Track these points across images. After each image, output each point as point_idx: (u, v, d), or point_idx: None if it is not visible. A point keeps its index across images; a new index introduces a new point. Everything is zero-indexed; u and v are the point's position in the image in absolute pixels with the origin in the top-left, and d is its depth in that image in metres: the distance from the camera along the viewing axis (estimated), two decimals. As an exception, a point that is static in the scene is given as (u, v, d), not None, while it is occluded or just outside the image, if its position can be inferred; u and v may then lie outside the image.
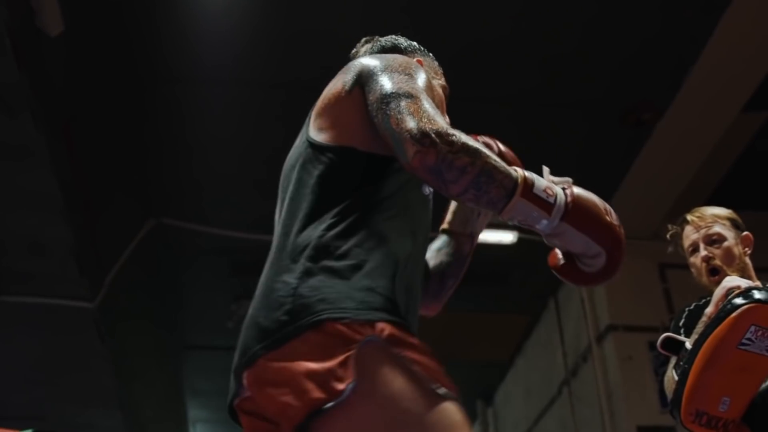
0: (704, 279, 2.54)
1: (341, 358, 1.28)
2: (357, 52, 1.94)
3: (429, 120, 1.38)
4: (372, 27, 4.45)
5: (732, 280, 2.32)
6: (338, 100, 1.58)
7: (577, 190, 1.43)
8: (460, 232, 1.87)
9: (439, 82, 1.81)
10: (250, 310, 1.45)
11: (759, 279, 2.47)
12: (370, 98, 1.50)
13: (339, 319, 1.31)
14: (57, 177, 4.43)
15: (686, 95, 4.85)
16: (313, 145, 1.57)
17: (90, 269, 5.26)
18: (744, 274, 2.46)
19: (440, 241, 1.88)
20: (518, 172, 1.39)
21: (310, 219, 1.47)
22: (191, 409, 8.88)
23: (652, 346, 5.78)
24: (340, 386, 1.27)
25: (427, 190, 1.60)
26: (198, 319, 7.18)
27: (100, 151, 4.90)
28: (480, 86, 4.64)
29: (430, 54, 1.93)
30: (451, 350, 6.94)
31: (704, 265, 2.53)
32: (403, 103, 1.43)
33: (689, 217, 2.64)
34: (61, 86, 4.29)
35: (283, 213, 1.56)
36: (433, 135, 1.35)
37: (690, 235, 2.60)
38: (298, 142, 1.67)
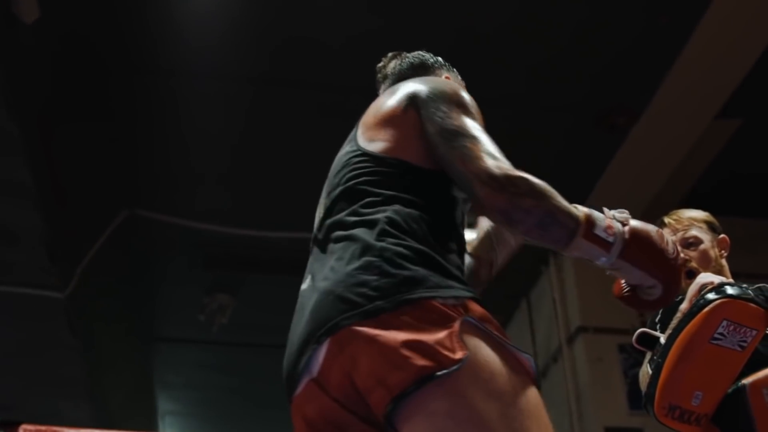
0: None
1: (445, 331, 1.35)
2: (384, 66, 2.05)
3: (494, 160, 1.51)
4: (352, 30, 4.49)
5: (706, 277, 2.36)
6: (393, 117, 1.68)
7: (635, 225, 1.55)
8: (482, 257, 1.97)
9: None
10: (321, 287, 1.49)
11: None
12: (430, 129, 1.61)
13: (433, 297, 1.39)
14: (30, 165, 4.39)
15: (661, 100, 4.89)
16: (366, 153, 1.66)
17: (61, 259, 5.22)
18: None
19: None
20: (580, 211, 1.50)
21: (374, 213, 1.54)
22: (161, 402, 8.83)
23: (622, 348, 5.83)
24: (455, 356, 1.32)
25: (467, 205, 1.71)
26: (169, 311, 7.15)
27: (75, 140, 4.86)
28: (470, 87, 4.65)
29: (454, 69, 2.03)
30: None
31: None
32: (467, 143, 1.55)
33: (666, 219, 2.67)
34: (36, 74, 4.25)
35: (336, 210, 1.63)
36: (501, 178, 1.47)
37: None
38: (347, 150, 1.74)
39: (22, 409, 6.64)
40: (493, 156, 1.51)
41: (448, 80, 1.83)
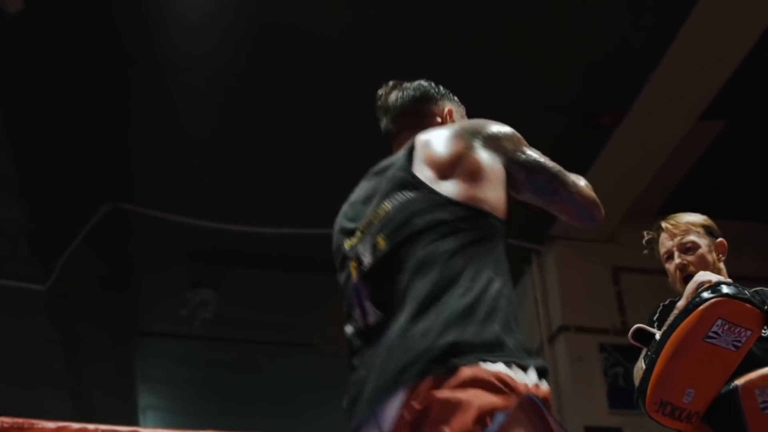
0: (678, 286, 2.59)
1: (502, 398, 1.37)
2: (385, 97, 2.02)
3: (583, 182, 1.87)
4: (334, 23, 4.46)
5: (704, 275, 2.36)
6: (478, 169, 1.68)
7: None
8: None
9: None
10: (391, 336, 1.50)
11: None
12: (526, 174, 1.77)
13: (508, 362, 1.42)
14: (11, 155, 4.37)
15: (645, 101, 4.91)
16: (450, 201, 1.64)
17: (42, 251, 5.19)
18: None
19: None
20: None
21: (455, 263, 1.55)
22: (142, 396, 8.80)
23: (602, 347, 5.85)
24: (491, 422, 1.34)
25: None
26: (152, 305, 7.12)
27: (58, 131, 4.84)
28: (451, 86, 4.64)
29: (455, 97, 2.04)
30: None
31: (678, 273, 2.60)
32: (571, 179, 1.83)
33: (664, 224, 2.68)
34: (19, 64, 4.23)
35: (412, 249, 1.60)
36: (597, 200, 1.86)
37: (665, 242, 2.66)
38: (415, 195, 1.69)
39: (1, 402, 6.62)
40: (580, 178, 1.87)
41: (450, 113, 1.96)
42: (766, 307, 2.21)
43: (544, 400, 1.42)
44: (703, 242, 2.61)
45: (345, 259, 1.76)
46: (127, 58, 4.66)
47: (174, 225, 5.81)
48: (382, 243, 1.65)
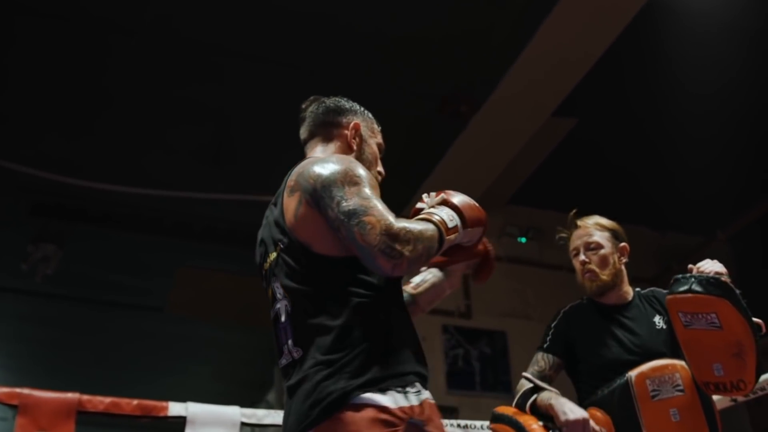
0: (580, 279, 2.84)
1: None
2: (306, 108, 2.16)
3: (387, 228, 1.69)
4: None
5: (560, 405, 2.54)
6: (302, 218, 1.83)
7: (453, 200, 1.88)
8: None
9: (375, 140, 2.12)
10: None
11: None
12: (330, 214, 1.77)
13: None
14: None
15: (502, 93, 5.06)
16: (306, 253, 1.82)
17: None
18: (617, 279, 2.80)
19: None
20: (433, 220, 1.81)
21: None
22: (-28, 353, 8.48)
23: (445, 329, 6.01)
24: None
25: None
26: (-11, 258, 6.84)
27: None
28: (311, 69, 4.66)
29: (369, 114, 2.17)
30: (247, 317, 6.94)
31: (581, 267, 2.83)
32: (364, 219, 1.71)
33: (577, 222, 2.91)
34: None
35: (297, 308, 1.82)
36: (397, 247, 1.68)
37: (574, 240, 2.89)
38: (274, 233, 1.89)
39: None
40: (384, 223, 1.70)
41: (343, 156, 1.97)
42: None
43: None
44: (608, 244, 2.83)
45: (269, 275, 1.92)
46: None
47: (17, 175, 5.57)
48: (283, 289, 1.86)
